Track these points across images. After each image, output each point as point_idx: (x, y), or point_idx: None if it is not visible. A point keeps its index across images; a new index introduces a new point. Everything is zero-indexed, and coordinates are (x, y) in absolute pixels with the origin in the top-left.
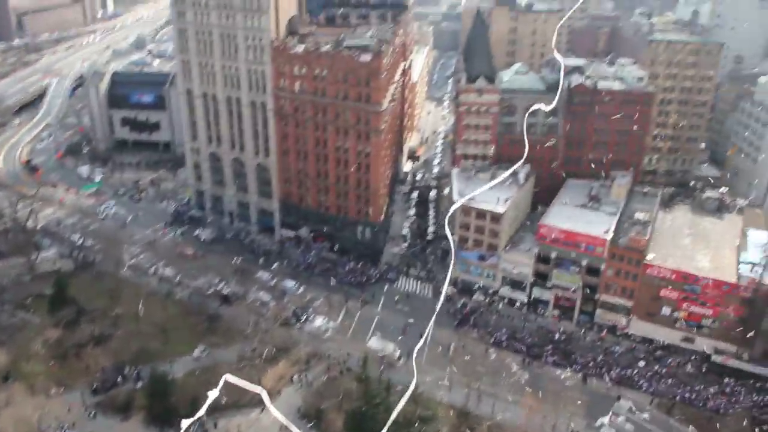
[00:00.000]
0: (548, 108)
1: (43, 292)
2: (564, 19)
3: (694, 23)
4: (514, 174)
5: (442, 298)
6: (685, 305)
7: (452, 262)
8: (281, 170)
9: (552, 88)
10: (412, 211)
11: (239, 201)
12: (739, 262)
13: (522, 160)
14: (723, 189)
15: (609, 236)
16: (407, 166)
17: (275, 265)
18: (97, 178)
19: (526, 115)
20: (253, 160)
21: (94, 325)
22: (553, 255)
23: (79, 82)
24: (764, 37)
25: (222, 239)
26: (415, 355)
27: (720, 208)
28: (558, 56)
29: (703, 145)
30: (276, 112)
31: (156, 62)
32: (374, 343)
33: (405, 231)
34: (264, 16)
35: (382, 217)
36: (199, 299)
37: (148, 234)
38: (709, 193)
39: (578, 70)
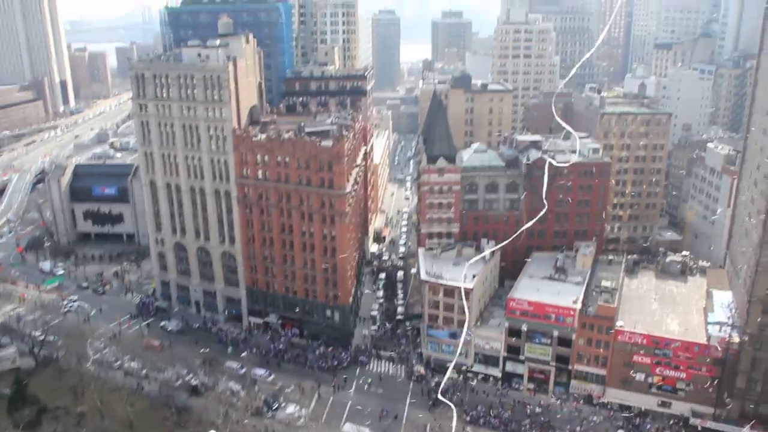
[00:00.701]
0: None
1: (1, 392)
2: (555, 95)
3: (642, 95)
4: (480, 250)
5: (445, 379)
6: (658, 370)
7: (460, 343)
8: (247, 257)
9: (510, 164)
10: (381, 292)
11: (205, 290)
12: (707, 323)
13: (500, 245)
14: (684, 252)
15: (578, 306)
16: (373, 247)
17: (244, 353)
18: (59, 272)
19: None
20: (219, 249)
21: (57, 424)
22: (524, 328)
23: (41, 177)
24: (708, 105)
25: (189, 329)
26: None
27: (683, 271)
28: (568, 128)
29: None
30: (240, 199)
31: (118, 155)
32: (349, 428)
33: (374, 312)
34: (225, 106)
35: (351, 299)
36: (167, 392)
37: (113, 327)
38: (671, 257)
39: (535, 145)
